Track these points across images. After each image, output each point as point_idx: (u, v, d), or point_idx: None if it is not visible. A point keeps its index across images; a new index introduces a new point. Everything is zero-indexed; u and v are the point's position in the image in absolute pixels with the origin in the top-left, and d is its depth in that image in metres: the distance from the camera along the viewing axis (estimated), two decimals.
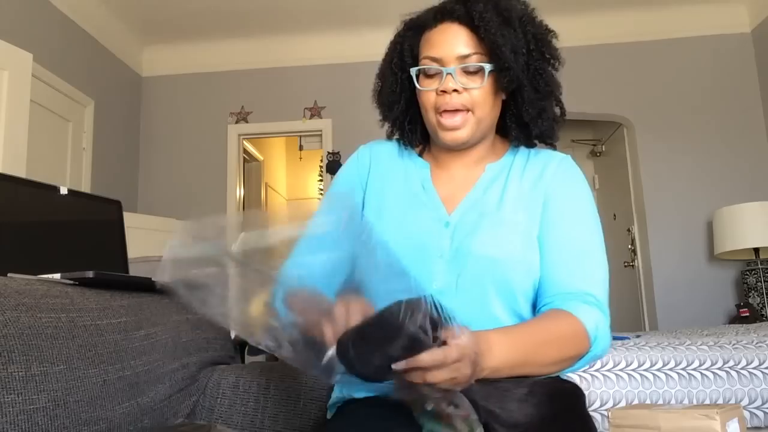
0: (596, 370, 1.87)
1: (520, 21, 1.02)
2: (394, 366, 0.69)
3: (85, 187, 3.97)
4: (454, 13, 1.01)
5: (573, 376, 1.84)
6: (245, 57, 4.78)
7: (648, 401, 1.84)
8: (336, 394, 1.06)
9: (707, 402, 1.84)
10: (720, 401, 1.84)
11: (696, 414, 1.10)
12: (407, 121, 1.12)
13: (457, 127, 1.02)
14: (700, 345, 1.94)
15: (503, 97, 1.06)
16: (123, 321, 1.16)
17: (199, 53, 4.80)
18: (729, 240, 3.79)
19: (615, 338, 2.15)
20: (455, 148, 1.07)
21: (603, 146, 5.29)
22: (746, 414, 1.82)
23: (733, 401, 1.83)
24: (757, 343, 1.94)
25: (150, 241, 3.67)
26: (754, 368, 1.87)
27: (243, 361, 2.34)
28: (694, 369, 1.88)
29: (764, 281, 3.76)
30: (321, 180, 5.47)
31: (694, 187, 4.31)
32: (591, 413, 1.30)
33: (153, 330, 1.24)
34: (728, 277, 4.20)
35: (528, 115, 1.05)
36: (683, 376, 1.86)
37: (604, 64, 4.51)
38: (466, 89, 1.00)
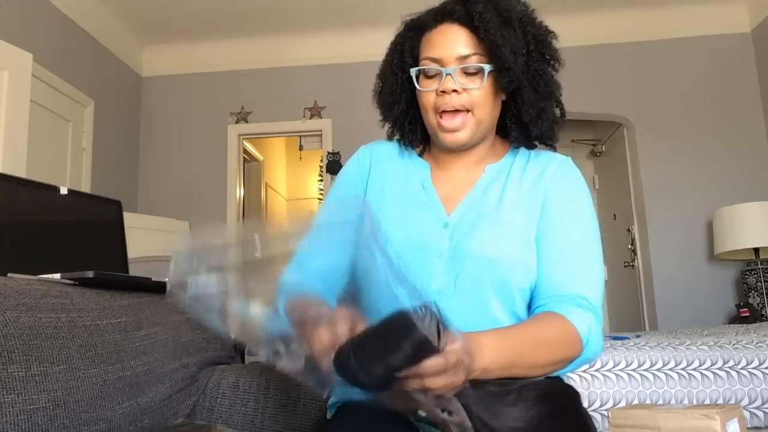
0: (596, 370, 1.87)
1: (520, 22, 1.02)
2: (398, 373, 0.68)
3: (85, 187, 3.96)
4: (454, 14, 1.01)
5: (573, 376, 1.85)
6: (245, 57, 4.78)
7: (648, 401, 1.84)
8: (336, 395, 1.06)
9: (707, 402, 1.84)
10: (720, 401, 1.84)
11: (696, 414, 1.11)
12: (407, 121, 1.12)
13: (457, 129, 1.02)
14: (700, 345, 1.94)
15: (503, 97, 1.06)
16: (123, 321, 1.16)
17: (199, 53, 4.80)
18: (729, 240, 3.79)
19: (615, 338, 2.16)
20: (455, 150, 1.07)
21: (603, 146, 5.30)
22: (746, 414, 1.82)
23: (733, 401, 1.83)
24: (757, 343, 1.94)
25: (150, 241, 3.69)
26: (754, 368, 1.87)
27: (243, 361, 2.34)
28: (694, 369, 1.88)
29: (764, 281, 3.76)
30: (321, 180, 5.46)
31: (694, 187, 4.31)
32: (591, 413, 1.31)
33: (153, 330, 1.25)
34: (728, 277, 4.20)
35: (528, 115, 1.05)
36: (683, 376, 1.86)
37: (604, 64, 4.51)
38: (465, 90, 1.00)
